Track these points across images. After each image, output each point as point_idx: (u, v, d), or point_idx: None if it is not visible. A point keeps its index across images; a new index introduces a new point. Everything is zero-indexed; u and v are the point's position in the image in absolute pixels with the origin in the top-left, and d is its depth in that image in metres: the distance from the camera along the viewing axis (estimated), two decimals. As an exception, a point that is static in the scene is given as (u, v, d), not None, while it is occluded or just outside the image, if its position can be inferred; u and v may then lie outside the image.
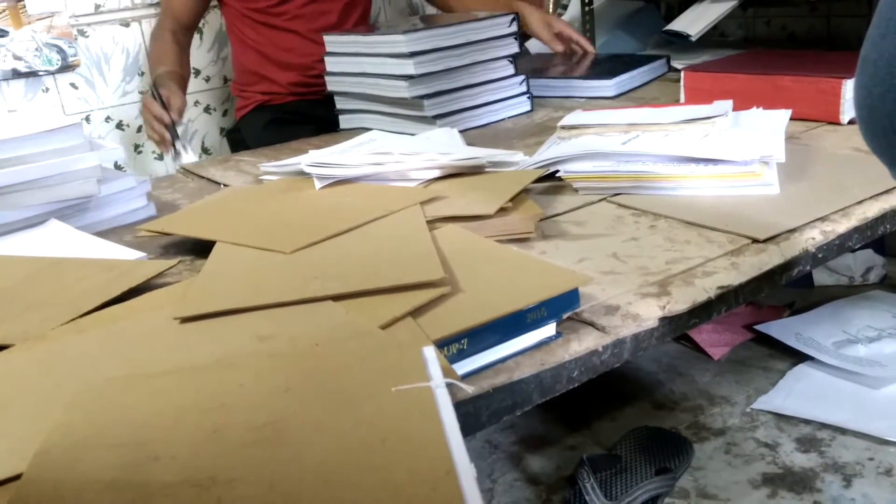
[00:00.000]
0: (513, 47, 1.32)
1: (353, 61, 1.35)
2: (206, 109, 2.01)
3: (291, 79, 1.66)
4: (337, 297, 0.59)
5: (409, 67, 1.23)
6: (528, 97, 1.37)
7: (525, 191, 0.83)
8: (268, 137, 1.53)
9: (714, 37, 1.99)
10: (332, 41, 1.39)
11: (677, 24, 1.50)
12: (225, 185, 1.11)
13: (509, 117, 1.35)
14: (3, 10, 1.72)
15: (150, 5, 1.88)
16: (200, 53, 1.94)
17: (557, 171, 0.90)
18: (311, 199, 0.88)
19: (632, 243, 0.73)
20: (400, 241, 0.69)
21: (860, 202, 0.77)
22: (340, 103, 1.43)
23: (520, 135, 1.22)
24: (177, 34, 1.64)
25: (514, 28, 1.31)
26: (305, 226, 0.77)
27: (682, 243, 0.71)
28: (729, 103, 0.98)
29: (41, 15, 1.76)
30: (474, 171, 0.92)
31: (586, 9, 1.79)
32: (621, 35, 2.07)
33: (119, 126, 1.90)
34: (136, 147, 1.93)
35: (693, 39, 1.46)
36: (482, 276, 0.61)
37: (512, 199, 0.79)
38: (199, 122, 2.00)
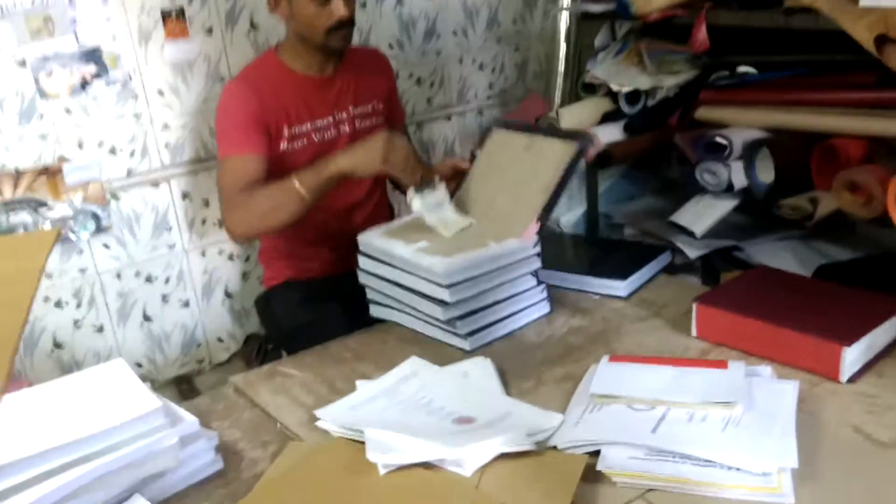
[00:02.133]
0: (536, 262, 1.43)
1: (386, 269, 1.45)
2: (230, 257, 2.09)
3: (321, 255, 1.73)
4: None
5: (444, 294, 1.33)
6: (548, 301, 1.47)
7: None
8: (298, 315, 1.62)
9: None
10: (365, 243, 1.49)
11: (682, 219, 1.62)
12: (280, 424, 1.20)
13: (531, 322, 1.45)
14: (39, 177, 1.80)
15: (179, 164, 1.97)
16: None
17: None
18: (371, 485, 0.99)
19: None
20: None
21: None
22: (371, 294, 1.52)
23: (546, 359, 1.32)
24: None
25: (538, 248, 1.42)
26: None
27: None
28: (742, 370, 1.11)
29: (77, 185, 1.84)
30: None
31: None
32: (622, 182, 2.20)
33: (148, 279, 1.99)
34: (164, 297, 2.01)
35: (698, 237, 1.58)
36: None
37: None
38: (223, 269, 2.09)
